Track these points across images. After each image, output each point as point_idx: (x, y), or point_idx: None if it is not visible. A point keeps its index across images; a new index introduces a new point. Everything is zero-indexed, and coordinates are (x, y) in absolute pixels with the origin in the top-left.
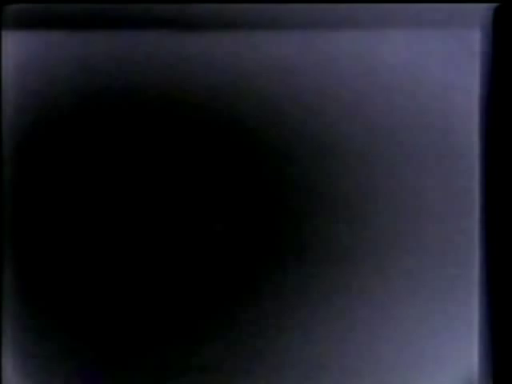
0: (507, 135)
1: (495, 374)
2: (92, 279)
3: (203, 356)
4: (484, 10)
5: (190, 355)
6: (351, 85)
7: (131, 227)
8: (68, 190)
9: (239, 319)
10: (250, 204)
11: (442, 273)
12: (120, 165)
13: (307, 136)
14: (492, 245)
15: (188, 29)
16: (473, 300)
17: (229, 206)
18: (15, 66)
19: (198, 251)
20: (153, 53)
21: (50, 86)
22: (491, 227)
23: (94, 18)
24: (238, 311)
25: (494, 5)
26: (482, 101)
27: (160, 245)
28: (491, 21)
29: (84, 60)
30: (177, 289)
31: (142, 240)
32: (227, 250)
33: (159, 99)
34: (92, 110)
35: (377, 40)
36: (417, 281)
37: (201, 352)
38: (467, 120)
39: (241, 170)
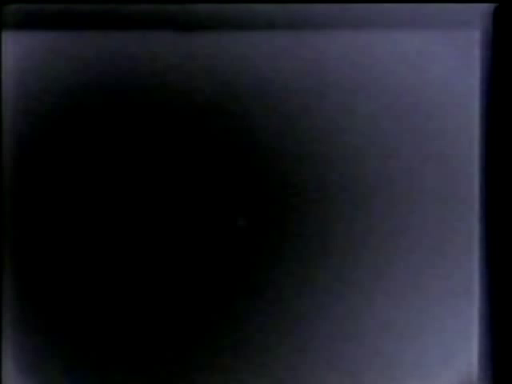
0: (507, 135)
1: (495, 373)
2: (93, 279)
3: (204, 356)
4: (483, 11)
5: (190, 355)
6: (350, 85)
7: (134, 228)
8: (68, 190)
9: (242, 317)
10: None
11: (442, 272)
12: (121, 165)
13: (307, 136)
14: (492, 244)
15: (188, 29)
16: (473, 300)
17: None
18: (15, 66)
19: (197, 250)
20: (153, 53)
21: (50, 85)
22: (491, 227)
23: (94, 18)
24: (240, 309)
25: (493, 5)
26: (482, 101)
27: (158, 244)
28: (491, 21)
29: (84, 60)
30: (176, 290)
31: (140, 240)
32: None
33: (160, 99)
34: (92, 110)
35: (377, 40)
36: (416, 280)
37: (201, 351)
38: (467, 120)
39: (239, 169)
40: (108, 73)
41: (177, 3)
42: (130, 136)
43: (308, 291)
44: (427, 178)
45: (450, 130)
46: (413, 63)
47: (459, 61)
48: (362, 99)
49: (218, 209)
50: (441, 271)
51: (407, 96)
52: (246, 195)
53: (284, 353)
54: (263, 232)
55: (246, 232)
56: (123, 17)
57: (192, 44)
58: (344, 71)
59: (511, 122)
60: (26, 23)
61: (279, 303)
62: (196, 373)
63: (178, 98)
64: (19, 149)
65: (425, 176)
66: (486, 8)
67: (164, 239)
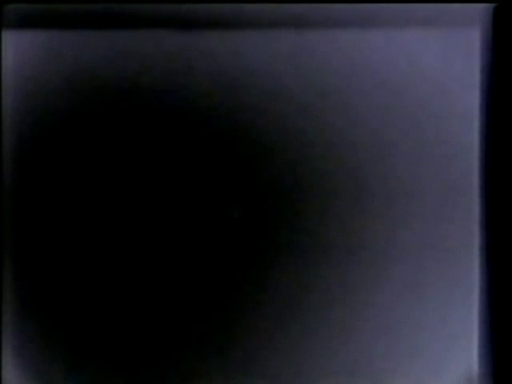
0: (507, 135)
1: (495, 373)
2: (93, 279)
3: (205, 356)
4: (483, 10)
5: (191, 356)
6: (351, 84)
7: (134, 227)
8: (68, 190)
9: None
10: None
11: (442, 273)
12: (120, 162)
13: (306, 136)
14: (492, 245)
15: (188, 29)
16: (473, 300)
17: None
18: (15, 66)
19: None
20: (153, 53)
21: (49, 85)
22: (491, 227)
23: (93, 18)
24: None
25: (493, 5)
26: (482, 100)
27: (154, 237)
28: (490, 20)
29: (84, 60)
30: (171, 282)
31: (137, 233)
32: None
33: (159, 99)
34: (92, 110)
35: (377, 40)
36: (417, 281)
37: (203, 353)
38: (467, 119)
39: (235, 161)
40: (108, 72)
41: (177, 3)
42: (129, 134)
43: (304, 285)
44: (427, 177)
45: (449, 129)
46: (413, 63)
47: (459, 61)
48: (362, 98)
49: (214, 200)
50: (441, 271)
51: (407, 95)
52: (241, 187)
53: (282, 345)
54: (258, 223)
55: (240, 223)
56: (123, 17)
57: (192, 44)
58: (344, 71)
59: (511, 122)
60: (26, 23)
61: (275, 294)
62: (193, 371)
63: (177, 98)
64: (19, 149)
65: (424, 175)
66: (486, 8)
67: (159, 231)
